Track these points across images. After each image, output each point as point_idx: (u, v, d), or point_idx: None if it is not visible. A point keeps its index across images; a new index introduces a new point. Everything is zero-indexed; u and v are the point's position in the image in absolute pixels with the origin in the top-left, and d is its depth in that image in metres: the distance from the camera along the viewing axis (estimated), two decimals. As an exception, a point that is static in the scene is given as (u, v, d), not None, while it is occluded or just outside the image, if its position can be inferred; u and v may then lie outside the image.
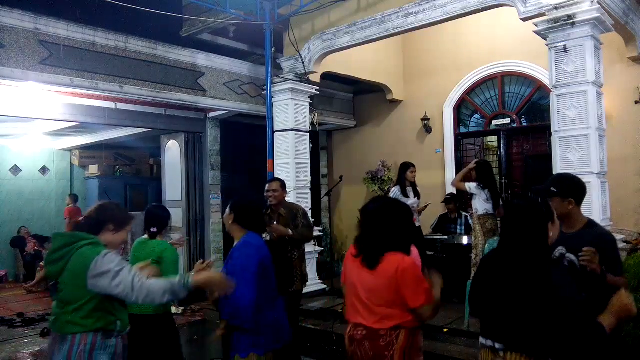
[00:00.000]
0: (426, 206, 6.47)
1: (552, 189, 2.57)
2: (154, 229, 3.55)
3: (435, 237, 6.63)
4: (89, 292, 2.27)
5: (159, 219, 3.59)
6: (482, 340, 2.17)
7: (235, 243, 2.76)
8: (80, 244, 2.32)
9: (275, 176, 6.52)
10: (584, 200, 4.34)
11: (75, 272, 2.28)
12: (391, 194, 6.24)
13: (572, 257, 2.48)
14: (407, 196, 6.04)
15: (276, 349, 2.68)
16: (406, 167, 6.25)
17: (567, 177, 2.71)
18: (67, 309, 2.31)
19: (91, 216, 2.50)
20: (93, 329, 2.30)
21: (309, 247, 6.57)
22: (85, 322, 2.29)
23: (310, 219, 4.93)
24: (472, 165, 5.54)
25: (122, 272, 2.25)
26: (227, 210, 2.81)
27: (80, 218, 6.10)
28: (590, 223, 2.64)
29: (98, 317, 2.31)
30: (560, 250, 2.55)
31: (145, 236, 3.59)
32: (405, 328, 2.35)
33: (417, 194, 6.26)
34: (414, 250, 2.87)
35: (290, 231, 4.19)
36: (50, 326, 2.41)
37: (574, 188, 2.60)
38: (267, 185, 4.44)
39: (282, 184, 4.46)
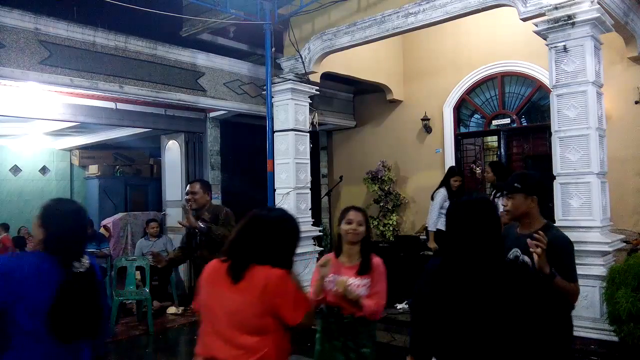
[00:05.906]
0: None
1: (515, 184, 2.46)
2: None
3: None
4: None
5: None
6: None
7: None
8: None
9: (273, 176, 6.51)
10: (584, 199, 4.37)
11: None
12: (437, 196, 6.17)
13: (526, 258, 2.33)
14: None
15: None
16: (451, 173, 6.20)
17: (533, 175, 2.57)
18: None
19: None
20: None
21: (309, 248, 6.57)
22: None
23: (233, 222, 3.94)
24: None
25: None
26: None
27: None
28: (549, 225, 2.49)
29: None
30: (515, 252, 2.43)
31: None
32: None
33: None
34: (377, 259, 2.81)
35: (200, 224, 3.78)
36: None
37: (540, 186, 2.49)
38: (188, 186, 4.09)
39: (205, 185, 4.11)
